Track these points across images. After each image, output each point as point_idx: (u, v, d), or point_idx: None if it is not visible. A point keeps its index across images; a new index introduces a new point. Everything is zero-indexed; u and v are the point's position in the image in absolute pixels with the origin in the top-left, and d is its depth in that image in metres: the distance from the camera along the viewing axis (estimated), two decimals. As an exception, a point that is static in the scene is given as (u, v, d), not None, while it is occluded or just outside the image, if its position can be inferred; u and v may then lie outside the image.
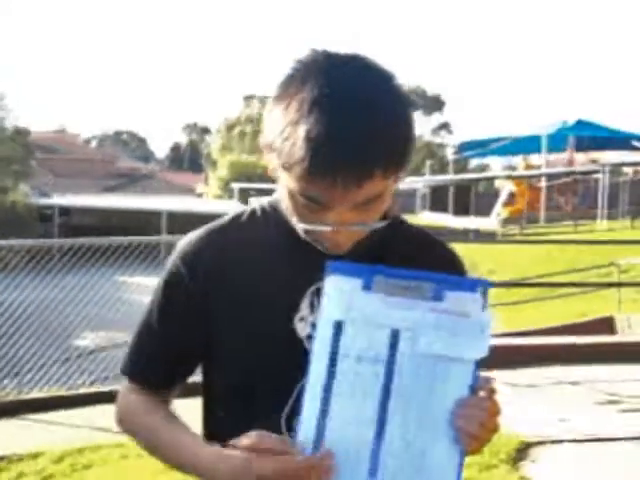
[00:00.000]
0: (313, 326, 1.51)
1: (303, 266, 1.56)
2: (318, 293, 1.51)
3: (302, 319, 1.53)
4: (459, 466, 1.45)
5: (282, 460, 1.37)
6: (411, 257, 1.63)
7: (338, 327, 1.45)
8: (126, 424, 1.67)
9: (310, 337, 1.51)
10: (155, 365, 1.64)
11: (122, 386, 1.71)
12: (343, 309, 1.45)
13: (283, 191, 1.51)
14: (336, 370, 1.44)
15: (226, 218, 1.66)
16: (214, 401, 1.64)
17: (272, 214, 1.63)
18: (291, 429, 1.49)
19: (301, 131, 1.40)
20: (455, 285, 1.47)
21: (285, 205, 1.54)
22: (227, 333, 1.55)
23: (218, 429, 1.59)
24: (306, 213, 1.48)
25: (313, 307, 1.53)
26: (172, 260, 1.62)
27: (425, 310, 1.45)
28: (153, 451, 1.62)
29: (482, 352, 1.46)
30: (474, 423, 1.43)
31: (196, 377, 1.72)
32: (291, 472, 1.37)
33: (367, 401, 1.44)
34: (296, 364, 1.47)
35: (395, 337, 1.45)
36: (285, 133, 1.42)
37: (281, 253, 1.59)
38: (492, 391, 1.47)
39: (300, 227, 1.51)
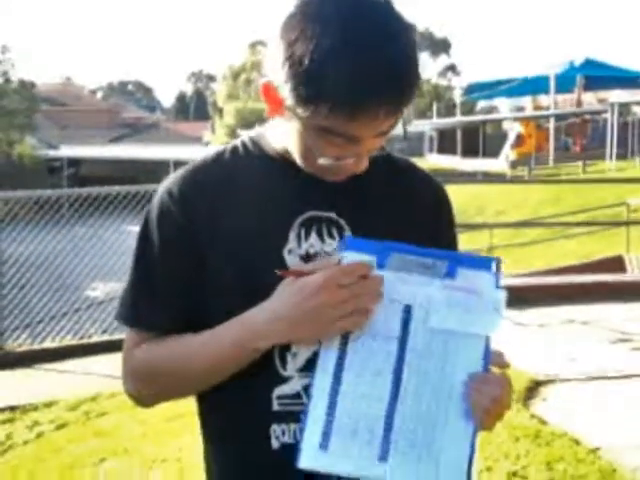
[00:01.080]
0: (302, 258, 1.51)
1: (289, 198, 1.55)
2: (305, 225, 1.52)
3: (290, 251, 1.51)
4: (472, 441, 1.45)
5: (330, 271, 1.41)
6: (394, 180, 1.64)
7: None
8: (147, 374, 1.60)
9: None
10: (169, 308, 1.58)
11: (126, 340, 1.64)
12: None
13: (293, 129, 1.47)
14: (348, 346, 1.44)
15: (209, 155, 1.63)
16: None
17: (254, 148, 1.61)
18: (285, 363, 1.50)
19: (329, 64, 1.34)
20: (468, 262, 1.47)
21: (293, 143, 1.50)
22: (219, 269, 1.53)
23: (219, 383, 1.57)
24: (325, 147, 1.44)
25: (300, 239, 1.52)
26: (159, 198, 1.58)
27: (438, 287, 1.45)
28: (181, 375, 1.56)
29: (494, 329, 1.46)
30: (487, 398, 1.43)
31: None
32: (343, 271, 1.41)
33: (380, 377, 1.44)
34: None
35: (408, 313, 1.45)
36: (303, 66, 1.35)
37: (266, 186, 1.57)
38: (504, 365, 1.47)
39: (322, 162, 1.47)
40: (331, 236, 1.54)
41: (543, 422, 5.07)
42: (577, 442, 4.75)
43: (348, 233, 1.53)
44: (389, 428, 1.43)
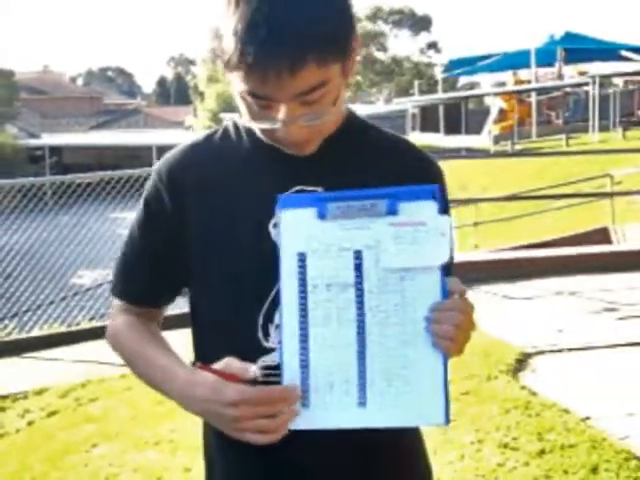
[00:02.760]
0: None
1: (276, 174, 1.58)
2: None
3: (276, 225, 1.52)
4: (444, 371, 1.46)
5: (248, 390, 1.41)
6: (383, 156, 1.65)
7: (302, 259, 1.46)
8: (114, 343, 1.71)
9: None
10: (140, 282, 1.68)
11: (112, 307, 1.76)
12: (302, 241, 1.47)
13: (239, 103, 1.52)
14: (307, 301, 1.46)
15: (200, 136, 1.69)
16: (200, 319, 1.66)
17: (244, 127, 1.64)
18: (267, 335, 1.54)
19: (229, 25, 1.40)
20: (408, 195, 1.46)
21: (242, 111, 1.54)
22: (206, 243, 1.58)
23: (206, 355, 1.60)
24: (257, 113, 1.48)
25: None
26: (151, 179, 1.66)
27: (383, 226, 1.45)
28: (134, 371, 1.67)
29: (445, 256, 1.45)
30: (449, 325, 1.43)
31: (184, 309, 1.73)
32: (255, 401, 1.41)
33: (344, 326, 1.46)
34: (272, 267, 1.49)
35: (359, 258, 1.46)
36: (219, 32, 1.43)
37: (255, 163, 1.60)
38: (462, 291, 1.47)
39: (254, 127, 1.53)
40: None
41: (533, 393, 5.09)
42: (567, 412, 4.77)
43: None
44: (363, 374, 1.45)
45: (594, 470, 4.06)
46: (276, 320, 1.53)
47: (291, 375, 1.45)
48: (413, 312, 1.46)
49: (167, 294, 1.71)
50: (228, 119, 1.71)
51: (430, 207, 1.46)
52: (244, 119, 1.54)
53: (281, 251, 1.47)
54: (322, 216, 1.46)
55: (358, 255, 1.46)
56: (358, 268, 1.46)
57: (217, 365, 1.46)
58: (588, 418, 4.71)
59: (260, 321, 1.54)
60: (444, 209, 1.68)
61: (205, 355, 1.60)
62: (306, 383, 1.45)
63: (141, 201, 1.67)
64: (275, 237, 1.52)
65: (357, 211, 1.46)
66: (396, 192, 1.46)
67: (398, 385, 1.45)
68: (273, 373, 1.50)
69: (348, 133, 1.64)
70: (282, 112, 1.45)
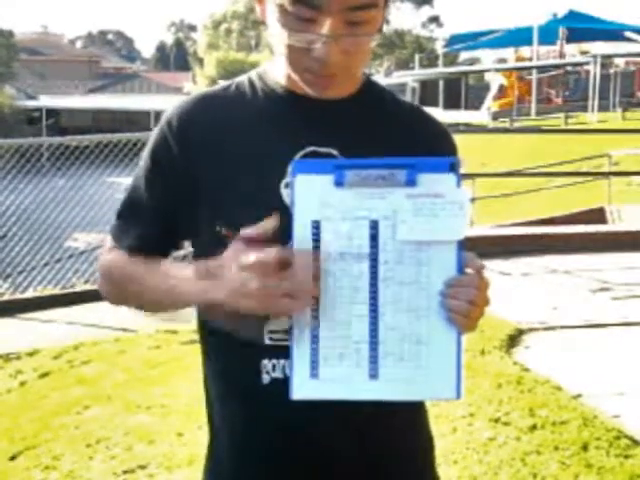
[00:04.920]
0: None
1: (290, 132, 1.54)
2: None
3: (287, 185, 1.49)
4: (458, 347, 1.44)
5: (260, 253, 1.35)
6: (398, 120, 1.64)
7: (316, 227, 1.42)
8: (107, 274, 1.64)
9: None
10: (141, 233, 1.61)
11: (105, 245, 1.67)
12: (317, 208, 1.43)
13: (272, 20, 1.47)
14: (321, 272, 1.42)
15: (214, 88, 1.64)
16: None
17: (259, 83, 1.61)
18: None
19: None
20: (427, 166, 1.43)
21: (279, 48, 1.49)
22: (215, 198, 1.53)
23: (208, 321, 1.59)
24: (297, 28, 1.43)
25: None
26: (159, 127, 1.59)
27: (400, 197, 1.42)
28: (134, 294, 1.59)
29: (463, 231, 1.43)
30: (465, 301, 1.42)
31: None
32: (265, 262, 1.35)
33: (357, 297, 1.43)
34: (282, 230, 1.44)
35: (375, 229, 1.42)
36: None
37: (268, 119, 1.56)
38: (479, 267, 1.45)
39: (292, 40, 1.45)
40: None
41: (526, 369, 5.10)
42: (559, 389, 4.79)
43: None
44: (375, 346, 1.43)
45: (584, 447, 4.07)
46: None
47: (301, 343, 1.43)
48: (428, 286, 1.43)
49: (168, 247, 1.64)
50: (251, 71, 1.65)
51: (449, 180, 1.43)
52: (278, 39, 1.48)
53: (294, 217, 1.43)
54: (339, 183, 1.42)
55: (374, 225, 1.42)
56: (374, 238, 1.43)
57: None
58: (580, 395, 4.73)
59: None
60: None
61: (209, 320, 1.58)
62: (316, 353, 1.43)
63: (147, 150, 1.61)
64: (287, 198, 1.49)
65: (375, 180, 1.42)
66: (415, 162, 1.43)
67: (411, 358, 1.44)
68: (280, 337, 1.48)
69: (365, 97, 1.61)
70: (326, 26, 1.41)
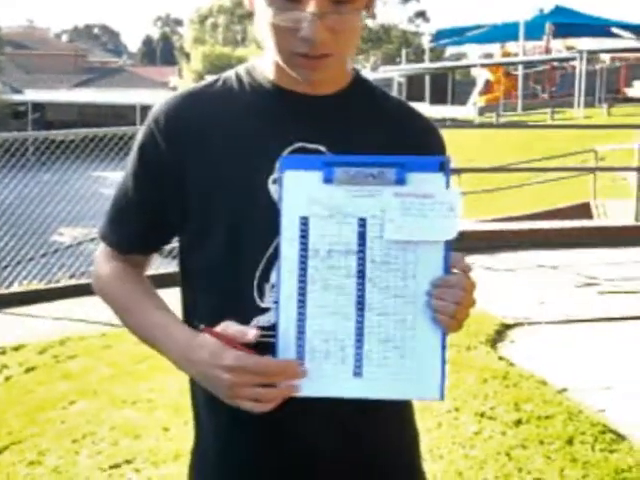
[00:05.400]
0: None
1: (278, 128, 1.54)
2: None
3: (275, 181, 1.50)
4: (442, 347, 1.45)
5: (246, 357, 1.39)
6: (385, 116, 1.64)
7: (304, 223, 1.43)
8: (102, 291, 1.67)
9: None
10: (132, 231, 1.63)
11: (99, 249, 1.70)
12: (306, 204, 1.43)
13: (260, 4, 1.47)
14: (307, 266, 1.43)
15: (201, 83, 1.64)
16: (192, 276, 1.62)
17: (247, 78, 1.60)
18: (262, 294, 1.51)
19: None
20: (417, 165, 1.43)
21: (266, 33, 1.49)
22: (203, 194, 1.54)
23: (198, 314, 1.59)
24: (283, 8, 1.44)
25: None
26: (146, 125, 1.59)
27: (390, 195, 1.42)
28: (126, 323, 1.63)
29: (452, 232, 1.43)
30: (451, 302, 1.42)
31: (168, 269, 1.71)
32: (253, 369, 1.39)
33: (343, 294, 1.43)
34: (269, 226, 1.47)
35: (363, 226, 1.43)
36: None
37: (256, 115, 1.56)
38: (466, 268, 1.46)
39: (277, 19, 1.45)
40: None
41: (511, 364, 5.12)
42: (544, 383, 4.81)
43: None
44: (360, 344, 1.43)
45: (569, 441, 4.09)
46: (272, 279, 1.50)
47: (286, 340, 1.43)
48: (415, 285, 1.44)
49: (157, 243, 1.67)
50: (239, 66, 1.65)
51: (439, 179, 1.43)
52: (265, 22, 1.48)
53: (282, 213, 1.43)
54: (328, 180, 1.42)
55: (362, 223, 1.43)
56: (362, 236, 1.43)
57: (216, 328, 1.44)
58: (565, 390, 4.75)
59: (256, 280, 1.51)
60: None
61: (196, 314, 1.58)
62: (302, 349, 1.43)
63: (135, 147, 1.60)
64: (275, 194, 1.49)
65: (364, 178, 1.42)
66: (405, 161, 1.43)
67: (395, 357, 1.44)
68: (267, 334, 1.48)
69: (354, 93, 1.61)
70: (312, 4, 1.42)
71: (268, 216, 1.47)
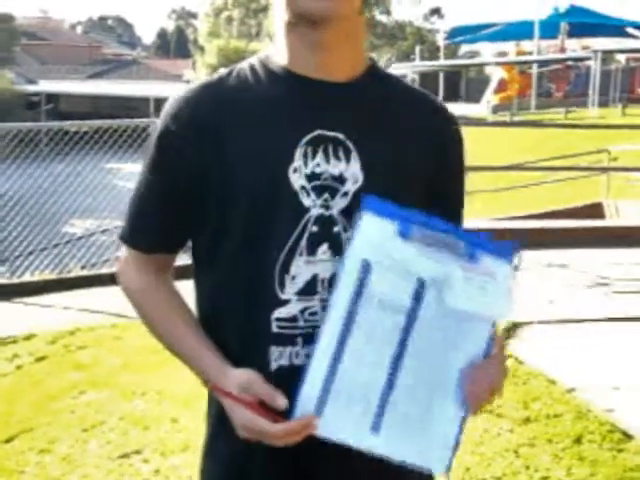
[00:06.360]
0: (307, 178, 1.50)
1: (296, 116, 1.54)
2: (311, 143, 1.51)
3: (296, 170, 1.50)
4: (460, 426, 1.47)
5: (256, 422, 1.42)
6: (405, 105, 1.64)
7: (366, 267, 1.43)
8: (131, 300, 1.68)
9: (304, 189, 1.50)
10: (155, 229, 1.62)
11: (121, 256, 1.69)
12: (374, 250, 1.44)
13: None
14: (357, 310, 1.43)
15: (215, 75, 1.63)
16: (211, 269, 1.61)
17: (261, 67, 1.60)
18: (283, 286, 1.50)
19: None
20: (488, 247, 1.46)
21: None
22: (222, 188, 1.53)
23: (217, 307, 1.60)
24: None
25: (307, 157, 1.50)
26: (162, 119, 1.58)
27: (456, 265, 1.44)
28: (156, 337, 1.67)
29: (504, 314, 1.46)
30: (483, 387, 1.45)
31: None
32: (271, 435, 1.42)
33: (384, 348, 1.44)
34: (291, 216, 1.48)
35: (421, 288, 1.44)
36: None
37: (273, 104, 1.55)
38: (504, 354, 1.49)
39: None
40: (337, 157, 1.52)
41: (520, 362, 5.12)
42: (553, 382, 4.81)
43: (355, 155, 1.52)
44: (385, 401, 1.44)
45: (578, 440, 4.09)
46: (292, 271, 1.49)
47: (314, 377, 1.43)
48: (454, 358, 1.46)
49: (181, 239, 1.64)
50: (252, 57, 1.64)
51: (505, 266, 1.47)
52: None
53: (347, 253, 1.44)
54: (403, 234, 1.44)
55: (422, 284, 1.44)
56: (417, 296, 1.44)
57: (239, 373, 1.48)
58: (574, 389, 4.75)
59: (277, 272, 1.50)
60: (464, 168, 1.69)
61: (215, 307, 1.59)
62: (327, 391, 1.44)
63: (152, 144, 1.59)
64: (295, 184, 1.49)
65: (437, 242, 1.44)
66: (479, 240, 1.46)
67: (414, 423, 1.46)
68: (286, 326, 1.49)
69: (370, 80, 1.61)
70: None
71: (289, 205, 1.48)
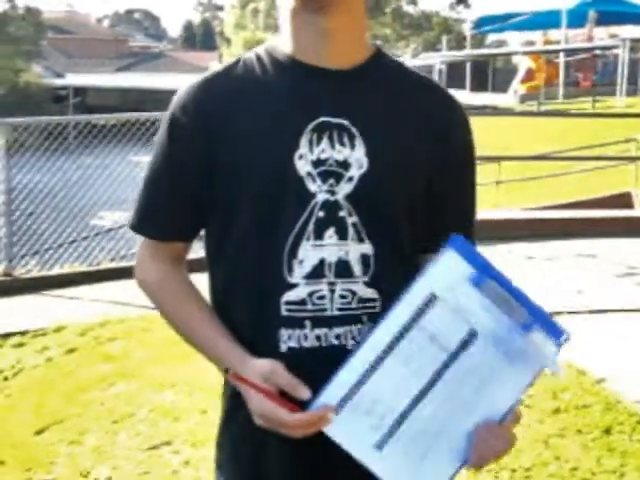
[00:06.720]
0: (313, 164, 1.53)
1: (301, 103, 1.56)
2: (316, 130, 1.54)
3: (301, 157, 1.52)
4: (456, 472, 1.51)
5: (276, 411, 1.45)
6: (409, 91, 1.65)
7: (431, 299, 1.47)
8: (148, 293, 1.72)
9: (310, 175, 1.53)
10: (168, 215, 1.65)
11: (139, 247, 1.73)
12: (444, 287, 1.48)
13: None
14: (407, 334, 1.47)
15: (221, 66, 1.66)
16: (222, 256, 1.64)
17: (267, 57, 1.63)
18: (291, 270, 1.54)
19: None
20: (545, 323, 1.49)
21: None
22: (230, 175, 1.56)
23: (228, 293, 1.63)
24: None
25: (312, 144, 1.53)
26: (171, 109, 1.62)
27: (510, 330, 1.48)
28: (174, 329, 1.69)
29: (532, 380, 1.50)
30: (490, 451, 1.49)
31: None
32: (277, 422, 1.46)
33: (416, 377, 1.48)
34: (297, 202, 1.52)
35: (471, 337, 1.48)
36: None
37: (279, 92, 1.58)
38: (517, 421, 1.51)
39: None
40: (342, 143, 1.55)
41: (549, 353, 5.09)
42: (582, 373, 4.79)
43: (359, 141, 1.55)
44: (398, 425, 1.48)
45: (607, 431, 4.08)
46: (299, 256, 1.53)
47: (344, 379, 1.47)
48: (474, 410, 1.50)
49: (194, 226, 1.67)
50: (258, 47, 1.68)
51: (551, 347, 1.49)
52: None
53: (418, 280, 1.48)
54: (475, 283, 1.48)
55: (473, 334, 1.48)
56: (464, 344, 1.48)
57: (261, 362, 1.50)
58: (603, 380, 4.73)
59: (285, 256, 1.53)
60: (473, 161, 1.70)
61: (227, 293, 1.62)
62: (350, 397, 1.47)
63: (162, 135, 1.63)
64: (301, 170, 1.52)
65: (502, 301, 1.48)
66: (539, 313, 1.49)
67: (417, 454, 1.49)
68: (295, 309, 1.53)
69: (375, 67, 1.63)
70: None
71: (295, 191, 1.51)
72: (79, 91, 40.74)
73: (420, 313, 1.47)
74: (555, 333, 1.50)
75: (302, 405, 1.46)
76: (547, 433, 4.07)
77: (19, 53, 40.66)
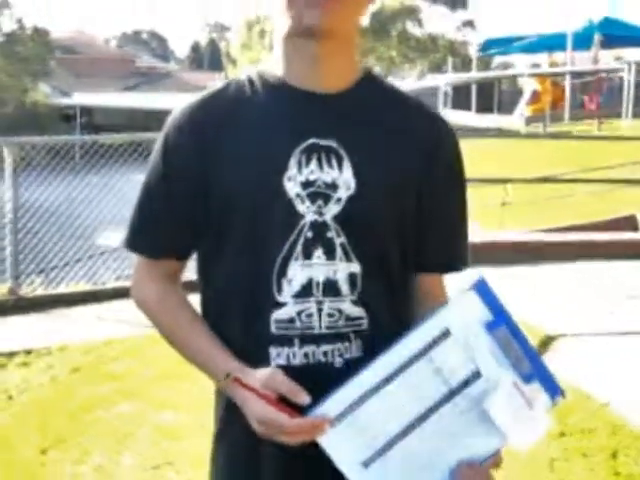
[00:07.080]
0: (302, 185, 1.56)
1: (290, 125, 1.59)
2: (305, 152, 1.56)
3: (290, 178, 1.55)
4: None
5: (276, 416, 1.46)
6: (397, 112, 1.67)
7: (445, 334, 1.50)
8: (145, 311, 1.74)
9: (299, 196, 1.55)
10: (158, 232, 1.67)
11: (134, 267, 1.76)
12: (459, 325, 1.50)
13: None
14: (415, 362, 1.49)
15: (215, 87, 1.68)
16: (212, 276, 1.66)
17: (258, 79, 1.65)
18: (280, 289, 1.56)
19: None
20: (543, 378, 1.52)
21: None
22: (221, 196, 1.58)
23: (219, 312, 1.65)
24: None
25: (301, 166, 1.56)
26: (165, 130, 1.65)
27: (510, 379, 1.50)
28: (171, 345, 1.72)
29: (523, 444, 1.51)
30: None
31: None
32: (276, 427, 1.47)
33: (415, 405, 1.49)
34: (286, 222, 1.55)
35: (474, 378, 1.50)
36: None
37: (269, 114, 1.61)
38: (498, 465, 1.54)
39: None
40: (330, 165, 1.57)
41: (554, 376, 5.08)
42: (588, 396, 4.78)
43: (347, 163, 1.57)
44: (388, 448, 1.49)
45: (613, 455, 4.06)
46: (289, 275, 1.55)
47: (344, 396, 1.48)
48: (461, 447, 1.51)
49: (187, 245, 1.69)
50: (250, 69, 1.70)
51: (546, 400, 1.52)
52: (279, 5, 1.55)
53: (435, 314, 1.50)
54: (489, 328, 1.50)
55: (476, 375, 1.50)
56: (467, 382, 1.50)
57: (264, 372, 1.51)
58: (609, 403, 4.71)
59: (274, 275, 1.56)
60: (462, 179, 1.71)
61: (218, 312, 1.64)
62: (349, 411, 1.48)
63: (156, 156, 1.65)
64: (290, 191, 1.54)
65: (510, 350, 1.51)
66: (541, 368, 1.52)
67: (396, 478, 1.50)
68: (285, 327, 1.55)
69: (364, 89, 1.65)
70: None
71: (284, 212, 1.54)
72: (86, 110, 40.86)
73: (431, 345, 1.49)
74: (552, 389, 1.53)
75: (300, 414, 1.48)
76: (552, 457, 4.06)
77: (27, 72, 40.84)
